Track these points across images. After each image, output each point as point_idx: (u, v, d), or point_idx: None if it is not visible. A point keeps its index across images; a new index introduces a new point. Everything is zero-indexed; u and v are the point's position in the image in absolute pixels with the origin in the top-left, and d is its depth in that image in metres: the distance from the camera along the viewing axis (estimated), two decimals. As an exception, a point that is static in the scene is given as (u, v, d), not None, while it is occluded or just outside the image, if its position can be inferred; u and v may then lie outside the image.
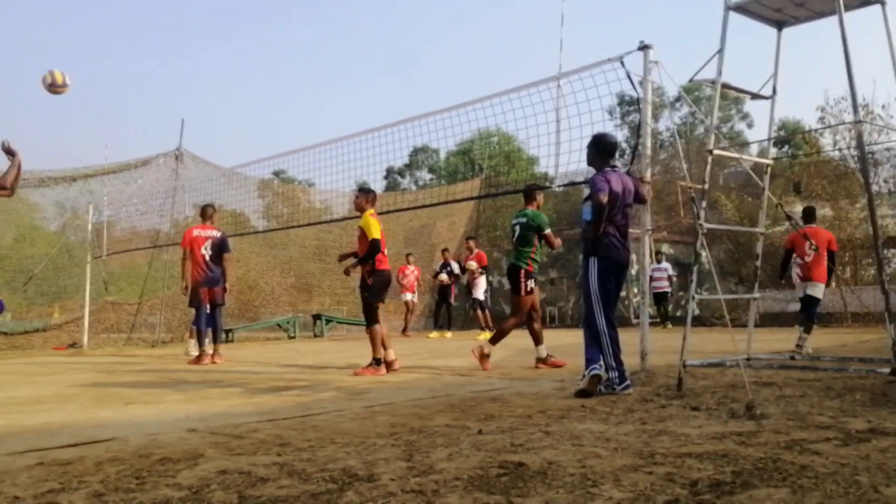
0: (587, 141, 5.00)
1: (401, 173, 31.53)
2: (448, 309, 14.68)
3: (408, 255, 15.35)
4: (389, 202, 16.57)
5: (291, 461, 2.67)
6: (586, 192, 4.78)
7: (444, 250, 15.07)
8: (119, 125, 72.21)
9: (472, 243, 13.82)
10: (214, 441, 3.12)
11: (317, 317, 15.46)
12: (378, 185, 14.75)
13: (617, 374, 4.56)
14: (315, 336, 14.97)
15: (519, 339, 12.96)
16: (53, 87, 5.41)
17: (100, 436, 3.29)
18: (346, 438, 3.13)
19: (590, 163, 4.92)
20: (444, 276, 14.15)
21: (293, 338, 14.48)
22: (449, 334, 14.26)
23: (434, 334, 14.26)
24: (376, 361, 6.40)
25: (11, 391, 5.49)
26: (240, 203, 13.64)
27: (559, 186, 6.63)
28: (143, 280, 13.88)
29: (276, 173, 17.66)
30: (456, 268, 14.39)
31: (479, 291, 13.56)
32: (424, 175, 30.04)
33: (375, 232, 6.45)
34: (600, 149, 4.82)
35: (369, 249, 6.45)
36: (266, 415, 3.91)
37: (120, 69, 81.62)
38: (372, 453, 2.79)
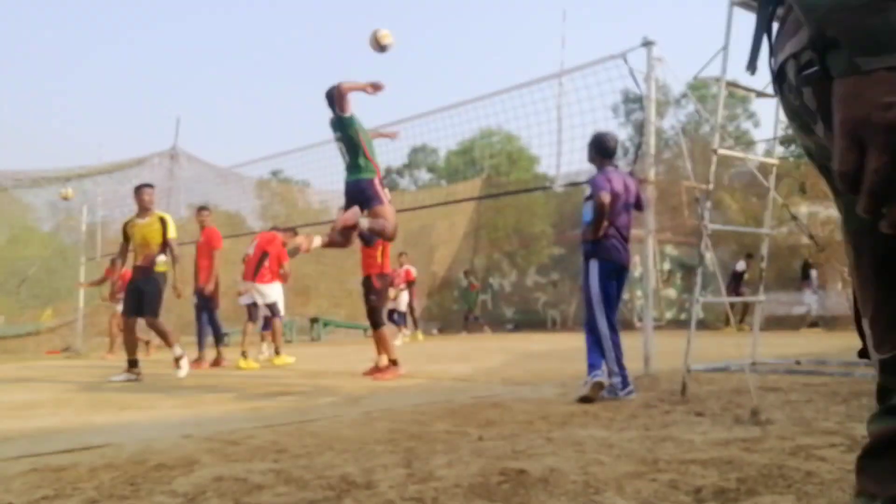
0: (588, 140, 4.96)
1: (399, 173, 31.55)
2: (411, 312, 14.63)
3: (400, 254, 14.59)
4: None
5: (288, 468, 2.65)
6: (588, 191, 4.74)
7: (402, 255, 14.81)
8: (113, 124, 72.30)
9: (403, 258, 13.76)
10: (210, 447, 3.10)
11: (314, 320, 15.40)
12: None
13: (619, 378, 4.52)
14: (312, 340, 14.91)
15: (518, 342, 12.93)
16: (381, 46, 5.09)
17: (94, 442, 3.27)
18: (344, 445, 3.10)
19: (591, 161, 4.89)
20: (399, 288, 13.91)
21: (290, 342, 14.43)
22: (421, 336, 14.38)
23: (406, 339, 14.26)
24: (393, 363, 6.38)
25: (5, 396, 5.48)
26: (236, 203, 13.62)
27: (561, 186, 6.58)
28: None
29: (274, 173, 17.60)
30: (414, 272, 14.33)
31: (402, 304, 13.45)
32: (424, 175, 30.04)
33: None
34: (600, 148, 4.77)
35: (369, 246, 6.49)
36: (262, 420, 3.89)
37: (114, 67, 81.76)
38: (370, 460, 2.76)
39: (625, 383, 4.52)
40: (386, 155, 9.33)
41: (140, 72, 78.88)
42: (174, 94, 71.77)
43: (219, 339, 8.43)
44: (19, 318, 13.35)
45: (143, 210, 6.81)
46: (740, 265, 15.69)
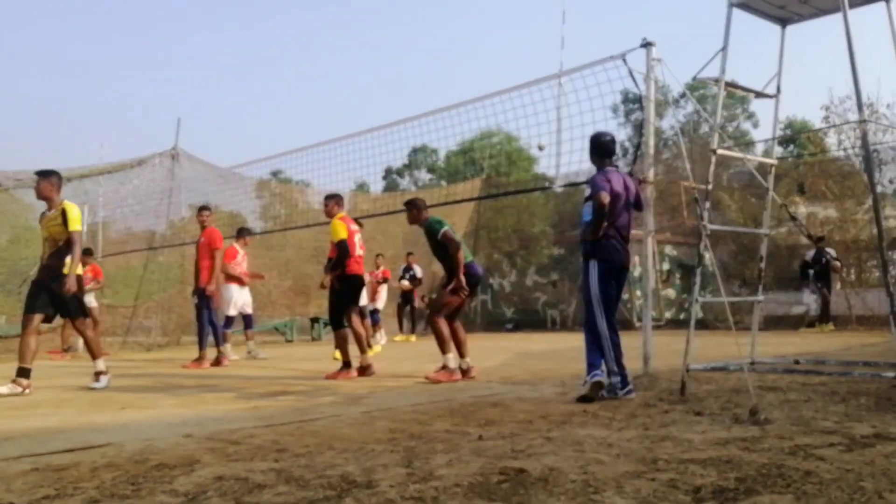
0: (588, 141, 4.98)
1: (400, 173, 31.55)
2: (412, 312, 14.56)
3: (377, 255, 14.15)
4: (389, 203, 16.48)
5: (289, 467, 2.66)
6: (587, 192, 4.75)
7: (409, 254, 14.69)
8: (114, 124, 72.35)
9: (379, 260, 13.87)
10: (211, 447, 3.12)
11: (314, 320, 15.41)
12: (377, 186, 14.66)
13: (619, 378, 4.53)
14: (312, 339, 14.92)
15: (518, 342, 12.94)
16: None
17: (95, 441, 3.29)
18: (345, 444, 3.12)
19: (591, 162, 4.91)
20: (405, 283, 13.93)
21: (290, 341, 14.46)
22: (413, 338, 14.23)
23: (399, 337, 14.20)
24: (346, 365, 6.50)
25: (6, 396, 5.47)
26: (237, 204, 13.63)
27: (560, 187, 6.58)
28: (139, 282, 13.87)
29: (274, 173, 17.54)
30: (419, 272, 14.33)
31: (380, 303, 13.49)
32: (424, 175, 30.06)
33: (342, 233, 6.52)
34: (596, 148, 4.80)
35: (338, 253, 6.50)
36: (263, 420, 3.91)
37: (115, 67, 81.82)
38: (370, 459, 2.78)
39: (624, 383, 4.53)
40: (386, 155, 9.32)
41: (141, 72, 78.94)
42: (175, 95, 71.78)
43: (219, 339, 8.45)
44: (20, 319, 13.38)
45: (48, 202, 5.79)
46: (811, 254, 13.52)
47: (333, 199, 6.91)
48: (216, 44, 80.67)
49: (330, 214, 6.84)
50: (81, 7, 77.51)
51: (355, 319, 6.68)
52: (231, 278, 9.42)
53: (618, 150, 5.03)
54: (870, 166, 5.44)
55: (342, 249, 6.49)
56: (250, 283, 9.94)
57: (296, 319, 15.55)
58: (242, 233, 9.86)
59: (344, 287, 6.56)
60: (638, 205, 4.91)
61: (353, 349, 6.62)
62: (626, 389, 4.53)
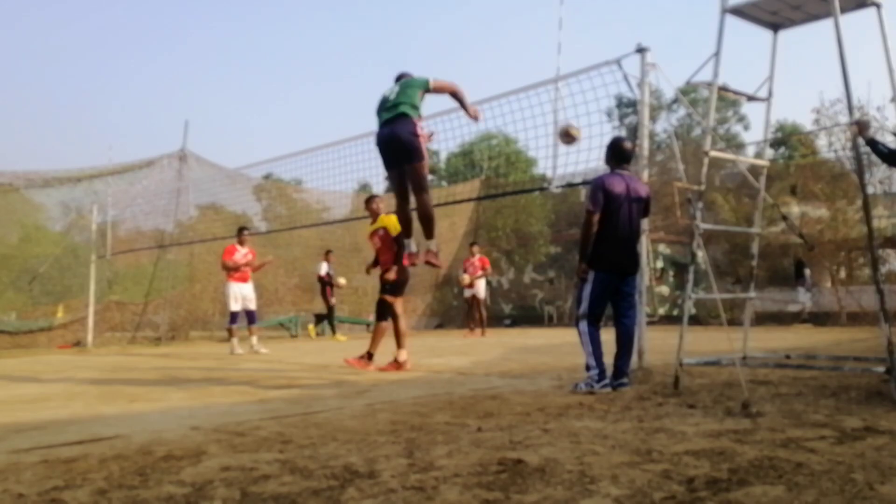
0: (584, 143, 5.12)
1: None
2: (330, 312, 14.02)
3: (471, 244, 14.86)
4: (391, 203, 16.56)
5: (293, 458, 2.70)
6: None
7: (328, 252, 14.01)
8: (123, 126, 72.24)
9: (475, 248, 14.34)
10: (217, 438, 3.15)
11: (319, 316, 15.46)
12: (379, 187, 14.63)
13: (596, 372, 4.63)
14: (318, 335, 14.98)
15: (516, 337, 12.99)
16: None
17: (104, 433, 3.31)
18: (348, 436, 3.16)
19: (606, 162, 5.03)
20: (342, 280, 13.56)
21: (295, 336, 14.51)
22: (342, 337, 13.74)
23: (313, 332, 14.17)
24: (368, 356, 6.56)
25: (17, 389, 5.51)
26: (243, 204, 13.67)
27: (557, 188, 6.64)
28: (149, 280, 13.97)
29: (266, 176, 17.54)
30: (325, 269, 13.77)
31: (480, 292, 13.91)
32: (424, 176, 30.11)
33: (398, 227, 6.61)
34: (616, 152, 4.93)
35: (398, 248, 6.54)
36: (269, 412, 3.94)
37: (124, 70, 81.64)
38: (373, 450, 2.82)
39: (601, 377, 4.62)
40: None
41: (149, 75, 78.78)
42: (183, 98, 71.71)
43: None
44: (31, 315, 13.45)
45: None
46: None
47: (378, 198, 7.12)
48: (224, 46, 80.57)
49: (377, 213, 7.01)
50: (86, 7, 77.23)
51: (399, 313, 6.72)
52: (231, 275, 9.65)
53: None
54: (861, 167, 5.51)
55: (401, 244, 6.58)
56: (254, 278, 10.19)
57: (300, 315, 15.61)
58: (240, 231, 10.15)
59: (400, 279, 6.64)
60: (646, 209, 5.01)
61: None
62: (603, 383, 4.60)
